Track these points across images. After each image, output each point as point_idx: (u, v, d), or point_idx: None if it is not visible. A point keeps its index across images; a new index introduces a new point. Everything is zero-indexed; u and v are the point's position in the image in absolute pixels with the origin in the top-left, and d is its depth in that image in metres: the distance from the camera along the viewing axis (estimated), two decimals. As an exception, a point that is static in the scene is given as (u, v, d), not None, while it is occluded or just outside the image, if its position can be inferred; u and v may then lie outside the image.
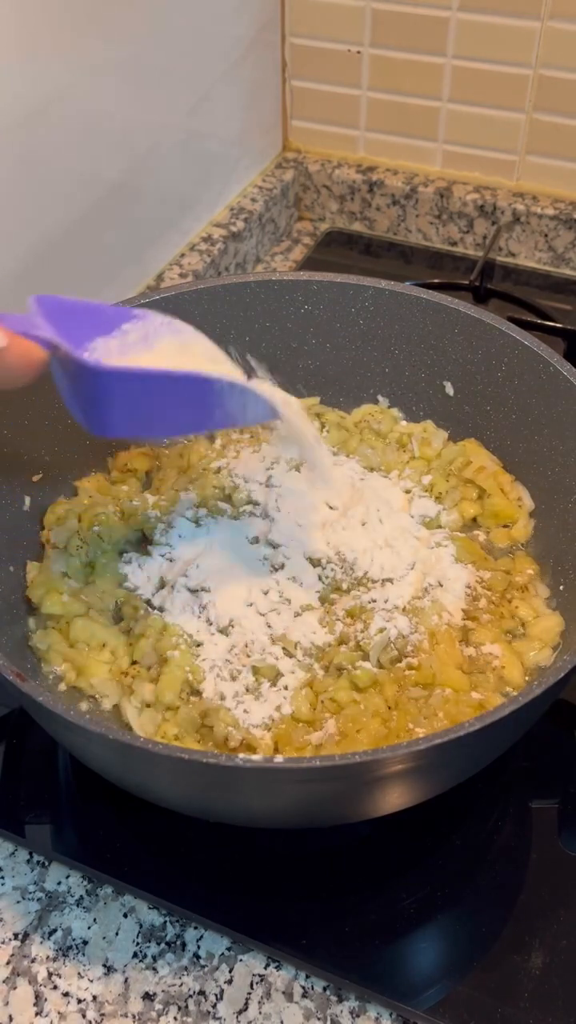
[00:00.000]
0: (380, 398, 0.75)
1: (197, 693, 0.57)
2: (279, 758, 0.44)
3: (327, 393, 0.76)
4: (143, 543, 0.66)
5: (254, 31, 0.97)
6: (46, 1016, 0.51)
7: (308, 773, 0.43)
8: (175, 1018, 0.51)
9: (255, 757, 0.44)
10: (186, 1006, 0.51)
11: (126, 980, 0.52)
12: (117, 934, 0.54)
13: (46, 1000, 0.52)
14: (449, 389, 0.72)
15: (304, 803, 0.49)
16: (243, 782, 0.45)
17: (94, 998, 0.52)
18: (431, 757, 0.45)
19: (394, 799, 0.50)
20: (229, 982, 0.52)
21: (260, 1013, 0.51)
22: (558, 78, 0.94)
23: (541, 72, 0.95)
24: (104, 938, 0.54)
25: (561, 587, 0.64)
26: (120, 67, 0.79)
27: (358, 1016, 0.51)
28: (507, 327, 0.66)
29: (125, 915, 0.55)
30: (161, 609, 0.61)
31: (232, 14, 0.93)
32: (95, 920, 0.55)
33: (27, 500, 0.65)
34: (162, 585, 0.62)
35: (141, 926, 0.55)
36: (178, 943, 0.54)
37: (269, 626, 0.59)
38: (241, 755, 0.48)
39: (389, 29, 0.98)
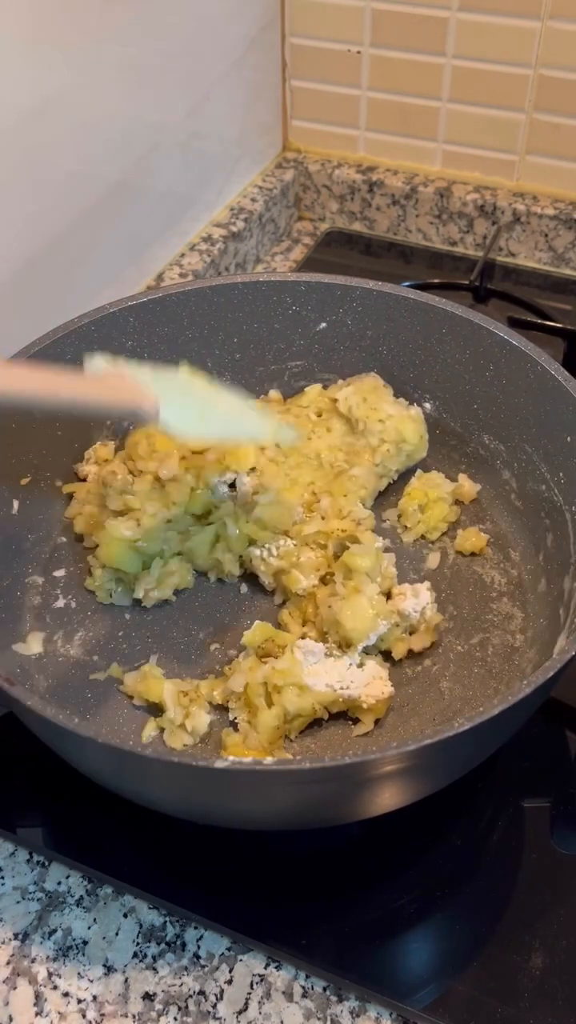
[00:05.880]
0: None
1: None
2: (268, 760, 0.44)
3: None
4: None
5: (254, 31, 0.98)
6: (46, 1016, 0.51)
7: (296, 775, 0.43)
8: (175, 1018, 0.51)
9: (244, 759, 0.43)
10: (186, 1006, 0.51)
11: (126, 980, 0.52)
12: (117, 934, 0.54)
13: (46, 1000, 0.52)
14: (438, 389, 0.72)
15: (294, 805, 0.49)
16: (232, 785, 0.45)
17: (94, 998, 0.52)
18: (421, 758, 0.45)
19: (386, 800, 0.50)
20: (229, 982, 0.52)
21: (260, 1013, 0.51)
22: (558, 78, 0.94)
23: (541, 72, 0.95)
24: (104, 938, 0.54)
25: (543, 582, 0.64)
26: (120, 67, 0.79)
27: (358, 1016, 0.51)
28: (495, 327, 0.66)
29: (125, 915, 0.55)
30: None
31: (232, 14, 0.93)
32: (95, 920, 0.55)
33: (15, 504, 0.65)
34: None
35: (141, 926, 0.54)
36: (178, 943, 0.54)
37: None
38: (231, 757, 0.48)
39: (389, 29, 0.97)
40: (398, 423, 0.70)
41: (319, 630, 0.62)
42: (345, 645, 0.60)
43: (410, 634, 0.63)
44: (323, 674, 0.58)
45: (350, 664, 0.59)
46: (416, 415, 0.71)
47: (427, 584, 0.64)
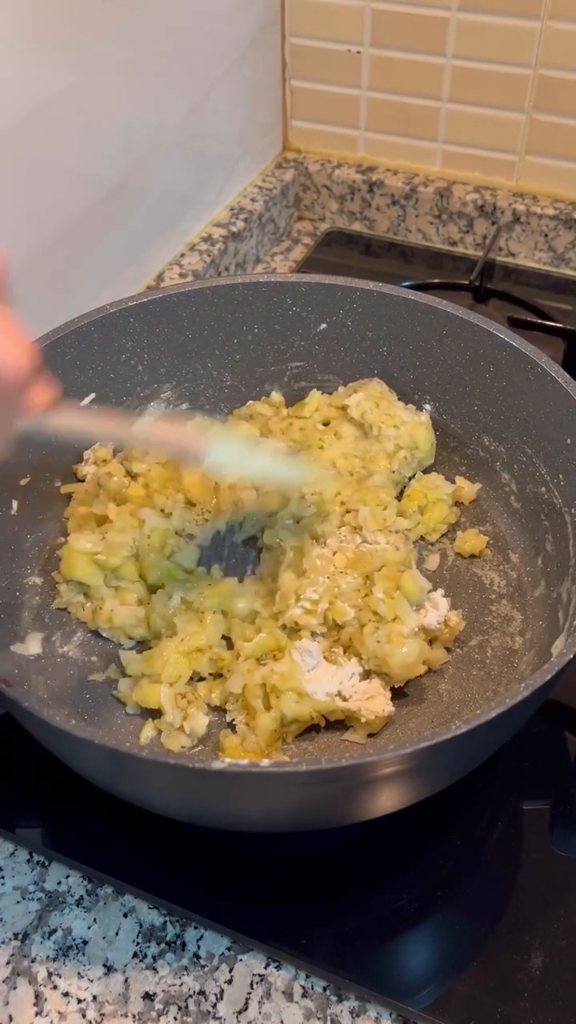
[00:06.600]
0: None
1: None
2: (265, 762, 0.44)
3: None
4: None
5: (254, 31, 0.97)
6: (46, 1016, 0.51)
7: (294, 777, 0.43)
8: (175, 1018, 0.51)
9: (241, 761, 0.43)
10: (186, 1006, 0.52)
11: (126, 980, 0.53)
12: (117, 934, 0.54)
13: (46, 1000, 0.52)
14: (438, 390, 0.72)
15: (292, 807, 0.49)
16: (229, 787, 0.45)
17: (94, 998, 0.52)
18: (418, 760, 0.45)
19: (384, 802, 0.50)
20: (229, 982, 0.52)
21: (260, 1013, 0.51)
22: (558, 78, 0.94)
23: (541, 72, 0.95)
24: (104, 938, 0.54)
25: (542, 584, 0.64)
26: (120, 67, 0.79)
27: (358, 1016, 0.51)
28: (495, 328, 0.66)
29: (125, 915, 0.55)
30: None
31: (232, 14, 0.93)
32: (95, 920, 0.55)
33: (14, 504, 0.65)
34: None
35: (141, 926, 0.55)
36: (178, 943, 0.54)
37: None
38: (228, 759, 0.48)
39: (389, 29, 0.97)
40: (411, 429, 0.70)
41: (349, 649, 0.61)
42: (381, 675, 0.60)
43: (430, 642, 0.62)
44: (324, 681, 0.58)
45: (352, 673, 0.59)
46: (426, 421, 0.71)
47: (440, 591, 0.64)
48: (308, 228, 1.13)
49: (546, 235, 1.02)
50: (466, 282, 0.95)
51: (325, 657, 0.60)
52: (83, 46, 0.74)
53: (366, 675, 0.60)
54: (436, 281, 0.97)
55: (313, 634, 0.61)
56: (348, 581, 0.62)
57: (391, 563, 0.63)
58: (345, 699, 0.58)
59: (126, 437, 0.57)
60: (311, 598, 0.61)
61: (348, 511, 0.67)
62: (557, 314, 0.93)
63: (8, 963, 0.53)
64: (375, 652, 0.59)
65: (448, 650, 0.63)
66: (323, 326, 0.73)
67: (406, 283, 0.82)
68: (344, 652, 0.61)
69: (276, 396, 0.75)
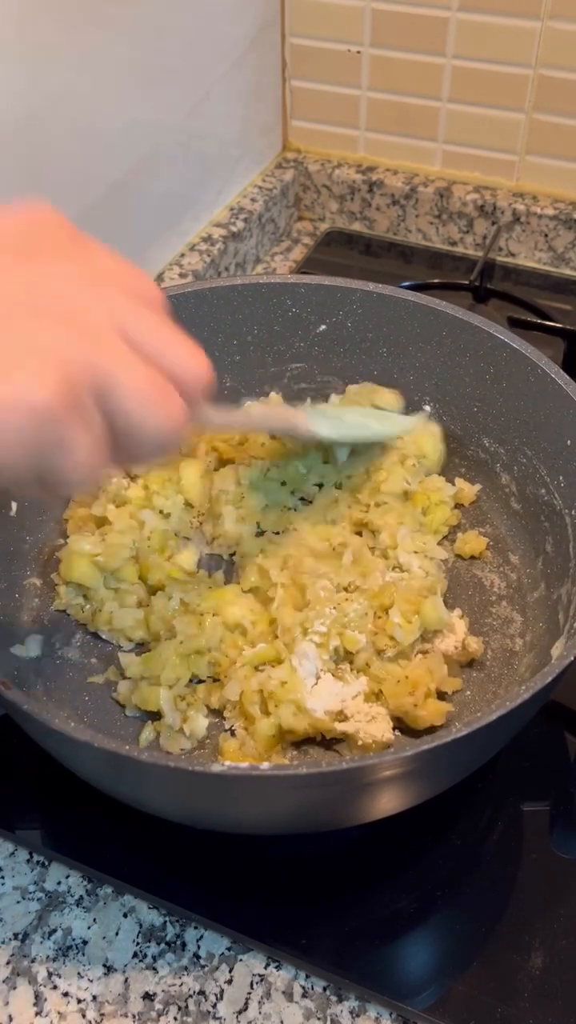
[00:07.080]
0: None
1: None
2: (265, 765, 0.44)
3: (314, 397, 0.75)
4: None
5: (254, 31, 0.97)
6: (46, 1016, 0.51)
7: (293, 780, 0.43)
8: (175, 1018, 0.51)
9: (241, 764, 0.43)
10: (186, 1006, 0.52)
11: (126, 980, 0.53)
12: (117, 934, 0.54)
13: (46, 1000, 0.52)
14: (438, 392, 0.72)
15: (291, 810, 0.49)
16: (229, 790, 0.45)
17: (94, 998, 0.52)
18: (418, 763, 0.44)
19: (384, 804, 0.50)
20: (229, 982, 0.53)
21: (260, 1013, 0.51)
22: (558, 78, 0.94)
23: (541, 72, 0.95)
24: (104, 938, 0.54)
25: (542, 586, 0.64)
26: (120, 67, 0.79)
27: (358, 1016, 0.51)
28: (496, 329, 0.66)
29: (125, 915, 0.55)
30: None
31: (232, 14, 0.93)
32: (95, 920, 0.55)
33: (13, 506, 0.65)
34: None
35: (141, 926, 0.55)
36: (178, 943, 0.54)
37: None
38: (227, 762, 0.48)
39: (389, 29, 0.97)
40: (417, 438, 0.69)
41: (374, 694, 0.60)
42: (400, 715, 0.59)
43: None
44: (325, 696, 0.57)
45: (357, 692, 0.58)
46: (435, 430, 0.71)
47: (458, 611, 0.63)
48: (308, 228, 1.13)
49: (546, 235, 1.02)
50: (466, 282, 0.95)
51: (332, 674, 0.59)
52: (83, 46, 0.74)
53: (373, 696, 0.59)
54: (436, 281, 0.97)
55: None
56: (355, 608, 0.60)
57: (416, 589, 0.61)
58: (346, 718, 0.57)
59: (253, 425, 0.65)
60: (319, 631, 0.59)
61: (365, 524, 0.67)
62: (557, 314, 0.93)
63: (8, 963, 0.53)
64: (406, 711, 0.57)
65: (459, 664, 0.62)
66: (323, 327, 0.73)
67: (406, 283, 0.82)
68: (351, 668, 0.60)
69: (275, 396, 0.75)
